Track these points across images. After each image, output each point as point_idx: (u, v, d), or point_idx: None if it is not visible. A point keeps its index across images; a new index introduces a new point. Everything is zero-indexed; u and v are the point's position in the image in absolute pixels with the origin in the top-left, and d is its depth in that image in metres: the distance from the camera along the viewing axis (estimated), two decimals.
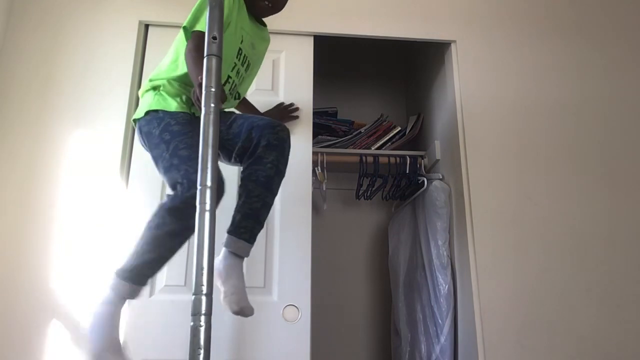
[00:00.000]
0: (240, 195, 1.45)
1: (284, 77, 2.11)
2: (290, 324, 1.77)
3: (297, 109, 2.06)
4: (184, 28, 1.50)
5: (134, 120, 1.58)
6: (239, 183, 1.48)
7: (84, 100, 1.94)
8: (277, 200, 1.86)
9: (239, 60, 1.60)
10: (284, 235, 1.89)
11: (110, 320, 1.32)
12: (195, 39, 1.45)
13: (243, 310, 1.35)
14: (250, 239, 1.43)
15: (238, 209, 1.44)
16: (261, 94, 2.07)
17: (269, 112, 2.00)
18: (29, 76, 1.94)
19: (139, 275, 1.34)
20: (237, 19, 1.56)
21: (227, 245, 1.41)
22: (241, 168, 1.53)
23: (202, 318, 0.91)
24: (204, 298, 0.92)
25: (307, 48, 2.15)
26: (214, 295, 0.95)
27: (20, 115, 1.89)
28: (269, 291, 1.83)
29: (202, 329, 0.90)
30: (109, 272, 1.36)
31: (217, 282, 1.38)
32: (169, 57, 1.62)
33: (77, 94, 1.94)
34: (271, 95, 2.08)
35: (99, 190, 1.84)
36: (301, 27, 2.14)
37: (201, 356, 0.90)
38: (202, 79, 1.07)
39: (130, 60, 2.00)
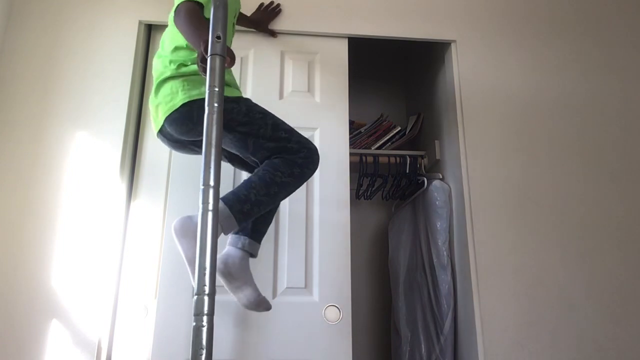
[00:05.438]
0: None
1: (319, 78, 2.11)
2: (331, 325, 1.78)
3: (278, 5, 2.12)
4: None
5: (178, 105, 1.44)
6: None
7: (84, 100, 1.94)
8: (317, 201, 1.91)
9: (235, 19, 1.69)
10: (323, 235, 1.89)
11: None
12: (185, 5, 1.35)
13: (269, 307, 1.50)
14: None
15: (260, 218, 1.54)
16: (298, 95, 2.07)
17: (254, 15, 2.07)
18: (29, 76, 1.94)
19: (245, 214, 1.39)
20: None
21: (248, 248, 1.51)
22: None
23: (205, 318, 0.91)
24: (206, 298, 0.91)
25: (342, 50, 2.16)
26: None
27: (20, 116, 1.89)
28: (310, 292, 1.84)
29: (205, 329, 0.90)
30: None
31: (235, 283, 1.45)
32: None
33: (77, 94, 1.94)
34: (308, 96, 2.07)
35: (98, 190, 1.84)
36: (336, 29, 2.15)
37: (203, 356, 0.89)
38: (205, 42, 1.07)
39: (130, 60, 2.00)
